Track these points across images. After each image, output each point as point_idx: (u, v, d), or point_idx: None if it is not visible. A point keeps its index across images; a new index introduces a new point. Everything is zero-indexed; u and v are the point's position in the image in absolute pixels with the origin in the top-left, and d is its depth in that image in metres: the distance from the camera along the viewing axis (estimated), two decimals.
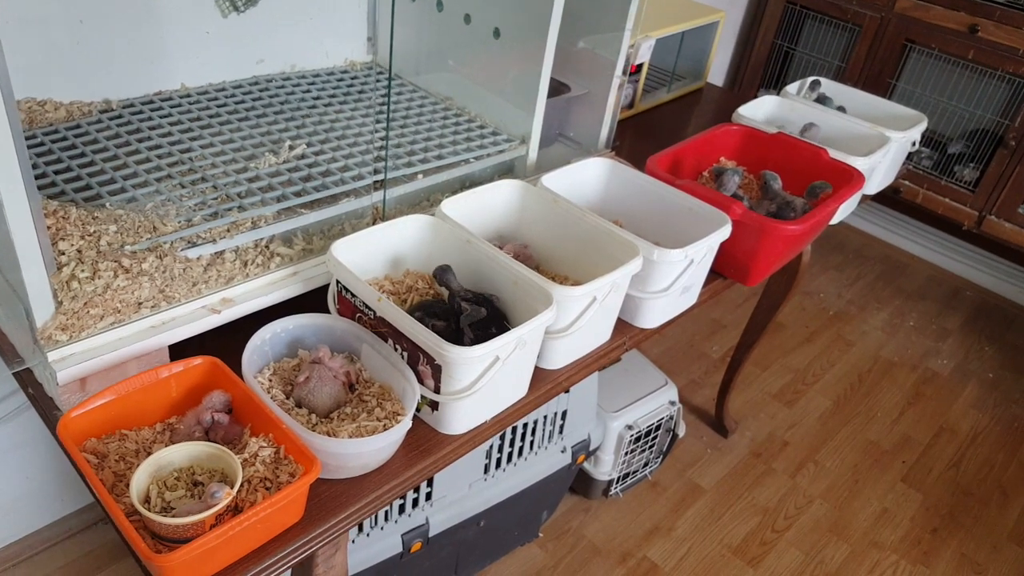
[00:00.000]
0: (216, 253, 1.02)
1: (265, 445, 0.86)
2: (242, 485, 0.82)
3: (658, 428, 1.82)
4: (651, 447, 1.86)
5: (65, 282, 0.88)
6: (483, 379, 0.94)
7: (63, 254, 0.89)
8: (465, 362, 0.91)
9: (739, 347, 2.00)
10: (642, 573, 1.80)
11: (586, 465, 1.80)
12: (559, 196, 1.22)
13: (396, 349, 0.99)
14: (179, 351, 0.98)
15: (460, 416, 0.98)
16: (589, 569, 1.79)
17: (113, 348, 0.92)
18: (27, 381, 0.98)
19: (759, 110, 1.69)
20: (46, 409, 0.96)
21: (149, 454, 0.87)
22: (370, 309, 1.00)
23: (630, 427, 1.74)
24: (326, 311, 1.07)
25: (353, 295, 1.02)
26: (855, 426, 2.30)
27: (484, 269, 1.09)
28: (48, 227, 0.92)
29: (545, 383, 1.09)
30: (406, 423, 0.90)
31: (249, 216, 1.06)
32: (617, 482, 1.85)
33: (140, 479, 0.80)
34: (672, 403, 1.82)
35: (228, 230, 1.03)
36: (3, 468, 1.50)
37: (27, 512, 1.60)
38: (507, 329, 1.05)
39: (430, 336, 0.91)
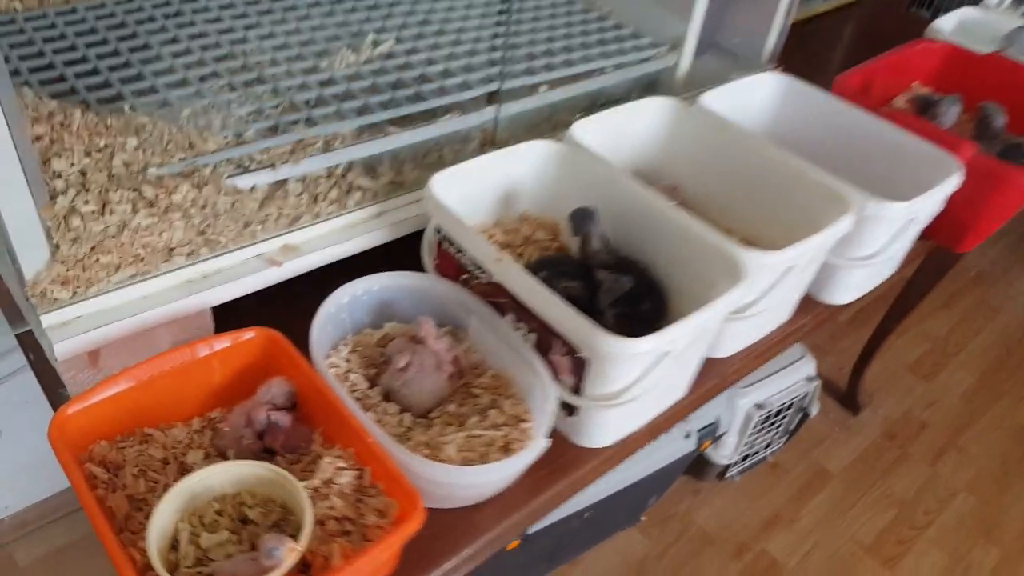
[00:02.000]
0: (276, 183, 0.74)
1: (344, 465, 0.60)
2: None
3: (790, 407, 1.53)
4: (778, 427, 1.57)
5: (63, 217, 0.62)
6: (646, 379, 0.66)
7: (58, 176, 0.63)
8: (628, 359, 0.63)
9: (893, 310, 1.67)
10: (761, 570, 1.54)
11: None
12: (728, 122, 0.91)
13: (519, 328, 0.71)
14: (224, 317, 0.72)
15: (607, 425, 0.71)
16: (700, 562, 1.53)
17: (134, 311, 0.66)
18: (27, 344, 0.74)
19: (952, 27, 1.32)
20: (50, 385, 0.72)
21: (182, 464, 0.63)
22: (483, 271, 0.72)
23: (760, 406, 1.45)
24: (418, 267, 0.79)
25: (460, 249, 0.74)
26: (1004, 407, 1.96)
27: (634, 220, 0.80)
28: (38, 137, 0.65)
29: (711, 377, 0.80)
30: (540, 445, 0.63)
31: (321, 133, 0.78)
32: (735, 465, 1.58)
33: (163, 517, 0.55)
34: (810, 379, 1.52)
35: (292, 151, 0.76)
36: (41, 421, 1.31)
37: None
38: (663, 306, 0.77)
39: (578, 321, 0.63)
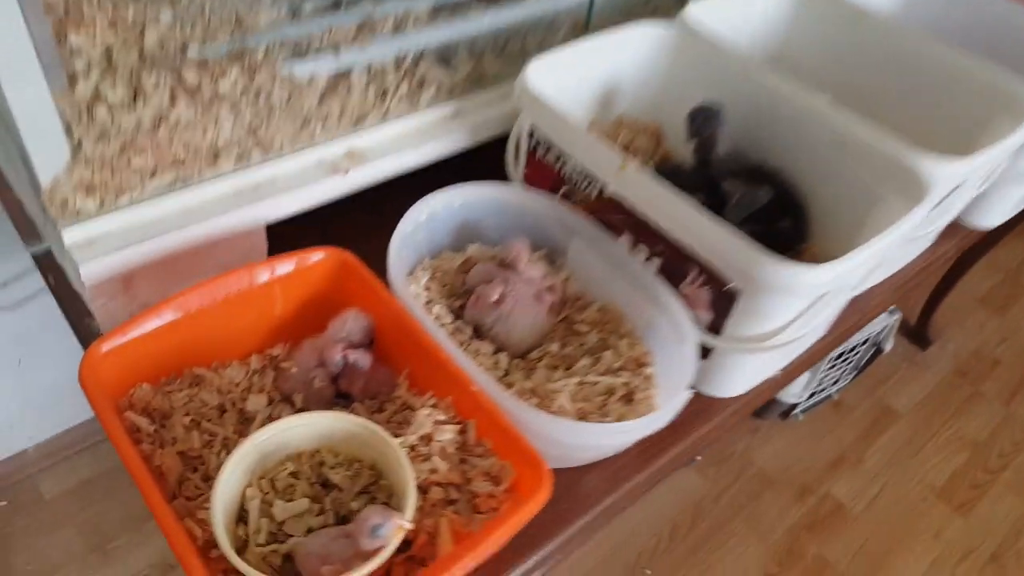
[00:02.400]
0: (338, 75, 0.61)
1: (443, 418, 0.49)
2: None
3: (865, 341, 1.41)
4: (849, 362, 1.46)
5: (85, 107, 0.49)
6: (805, 317, 0.54)
7: (78, 54, 0.50)
8: (794, 292, 0.51)
9: (987, 237, 1.52)
10: (825, 513, 1.46)
11: None
12: (869, 9, 0.76)
13: (636, 252, 0.59)
14: (279, 237, 0.60)
15: (743, 370, 0.59)
16: (760, 504, 1.45)
17: (174, 226, 0.54)
18: (46, 266, 0.62)
19: None
20: (75, 314, 0.61)
21: (242, 412, 0.51)
22: (591, 182, 0.59)
23: None
24: (501, 176, 0.66)
25: (560, 156, 0.61)
26: None
27: (765, 121, 0.66)
28: (50, 5, 0.51)
29: (852, 313, 0.68)
30: (683, 397, 0.51)
31: (390, 11, 0.64)
32: (801, 403, 1.48)
33: (228, 485, 0.43)
34: (890, 311, 1.40)
35: (357, 33, 0.62)
36: (63, 346, 1.20)
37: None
38: (804, 224, 0.64)
39: (739, 243, 0.50)
